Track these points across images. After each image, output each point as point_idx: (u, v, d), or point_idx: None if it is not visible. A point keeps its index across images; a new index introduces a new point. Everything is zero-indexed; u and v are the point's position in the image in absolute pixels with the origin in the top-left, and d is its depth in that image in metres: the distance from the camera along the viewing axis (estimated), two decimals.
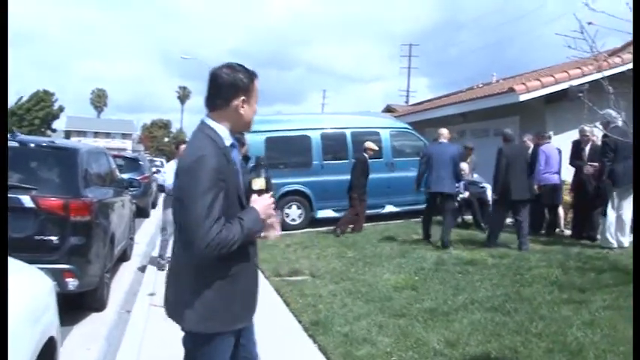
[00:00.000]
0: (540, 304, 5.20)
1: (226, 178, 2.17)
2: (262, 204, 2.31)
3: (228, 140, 2.29)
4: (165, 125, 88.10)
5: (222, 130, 2.28)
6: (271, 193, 2.39)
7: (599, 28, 5.43)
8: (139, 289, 6.67)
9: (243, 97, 2.28)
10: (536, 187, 9.28)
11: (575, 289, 5.68)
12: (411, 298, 5.68)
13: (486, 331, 4.56)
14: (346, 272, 7.02)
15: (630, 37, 11.34)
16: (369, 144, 10.80)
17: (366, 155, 10.58)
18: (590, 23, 5.39)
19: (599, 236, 8.33)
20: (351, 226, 10.56)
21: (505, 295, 5.56)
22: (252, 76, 2.32)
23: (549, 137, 9.97)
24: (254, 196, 2.33)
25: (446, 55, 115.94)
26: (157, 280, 6.88)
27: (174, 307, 2.33)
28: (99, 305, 5.82)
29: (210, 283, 2.21)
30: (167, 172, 7.70)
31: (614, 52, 11.97)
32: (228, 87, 2.26)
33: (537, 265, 6.78)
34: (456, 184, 9.52)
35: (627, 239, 7.79)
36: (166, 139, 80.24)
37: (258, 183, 2.37)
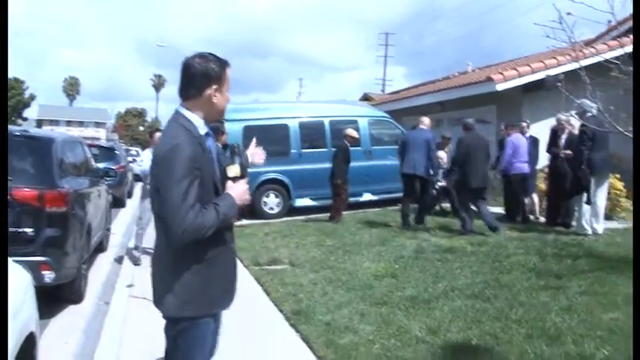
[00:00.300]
0: (519, 291, 5.28)
1: (201, 167, 2.22)
2: (238, 190, 2.37)
3: (202, 129, 2.35)
4: (140, 114, 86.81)
5: (197, 119, 2.33)
6: (246, 179, 2.47)
7: (576, 19, 5.52)
8: (117, 280, 6.57)
9: (215, 86, 2.32)
10: (499, 176, 9.50)
11: (552, 275, 5.77)
12: (392, 286, 5.71)
13: (467, 317, 4.60)
14: (326, 261, 7.02)
15: (604, 28, 11.46)
16: (349, 131, 10.80)
17: (346, 142, 10.58)
18: (569, 14, 5.46)
19: (574, 223, 8.48)
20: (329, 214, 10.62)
21: (484, 282, 5.63)
22: (224, 64, 2.35)
23: (527, 126, 10.07)
24: (229, 183, 2.40)
25: (422, 44, 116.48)
26: (134, 272, 6.81)
27: (157, 294, 2.38)
28: (76, 297, 5.73)
29: (188, 267, 2.27)
30: (144, 160, 7.60)
31: (589, 43, 12.11)
32: (200, 76, 2.30)
33: (515, 253, 6.87)
34: (433, 171, 9.62)
35: (601, 226, 7.94)
36: (141, 128, 79.03)
37: (233, 170, 2.45)
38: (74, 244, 5.43)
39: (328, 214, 10.69)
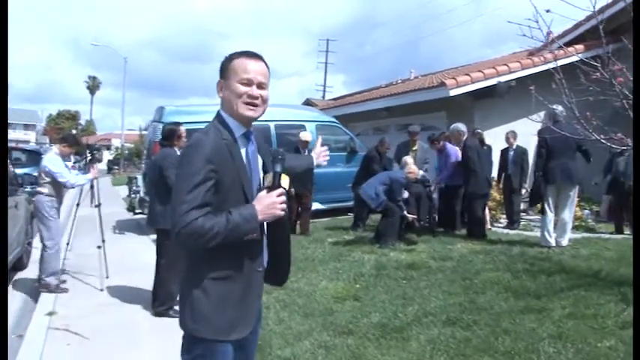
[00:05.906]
0: (500, 315, 4.71)
1: (220, 170, 1.97)
2: (264, 202, 2.01)
3: (238, 130, 2.12)
4: (73, 117, 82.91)
5: (232, 121, 2.13)
6: (281, 190, 2.05)
7: (554, 16, 5.21)
8: (35, 307, 5.64)
9: (222, 81, 2.14)
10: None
11: (530, 295, 5.26)
12: (356, 310, 5.06)
13: (449, 350, 3.99)
14: None
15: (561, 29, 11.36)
16: (303, 134, 10.15)
17: (300, 148, 9.93)
18: (548, 11, 5.10)
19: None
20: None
21: (459, 305, 5.05)
22: (230, 57, 2.14)
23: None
24: (260, 193, 2.05)
25: (361, 52, 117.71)
26: (58, 296, 5.89)
27: (180, 305, 2.16)
28: None
29: (200, 283, 2.03)
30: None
31: (533, 53, 12.02)
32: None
33: (484, 269, 6.34)
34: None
35: (566, 239, 7.59)
36: (74, 132, 75.56)
37: (268, 178, 2.09)
38: None
39: None
